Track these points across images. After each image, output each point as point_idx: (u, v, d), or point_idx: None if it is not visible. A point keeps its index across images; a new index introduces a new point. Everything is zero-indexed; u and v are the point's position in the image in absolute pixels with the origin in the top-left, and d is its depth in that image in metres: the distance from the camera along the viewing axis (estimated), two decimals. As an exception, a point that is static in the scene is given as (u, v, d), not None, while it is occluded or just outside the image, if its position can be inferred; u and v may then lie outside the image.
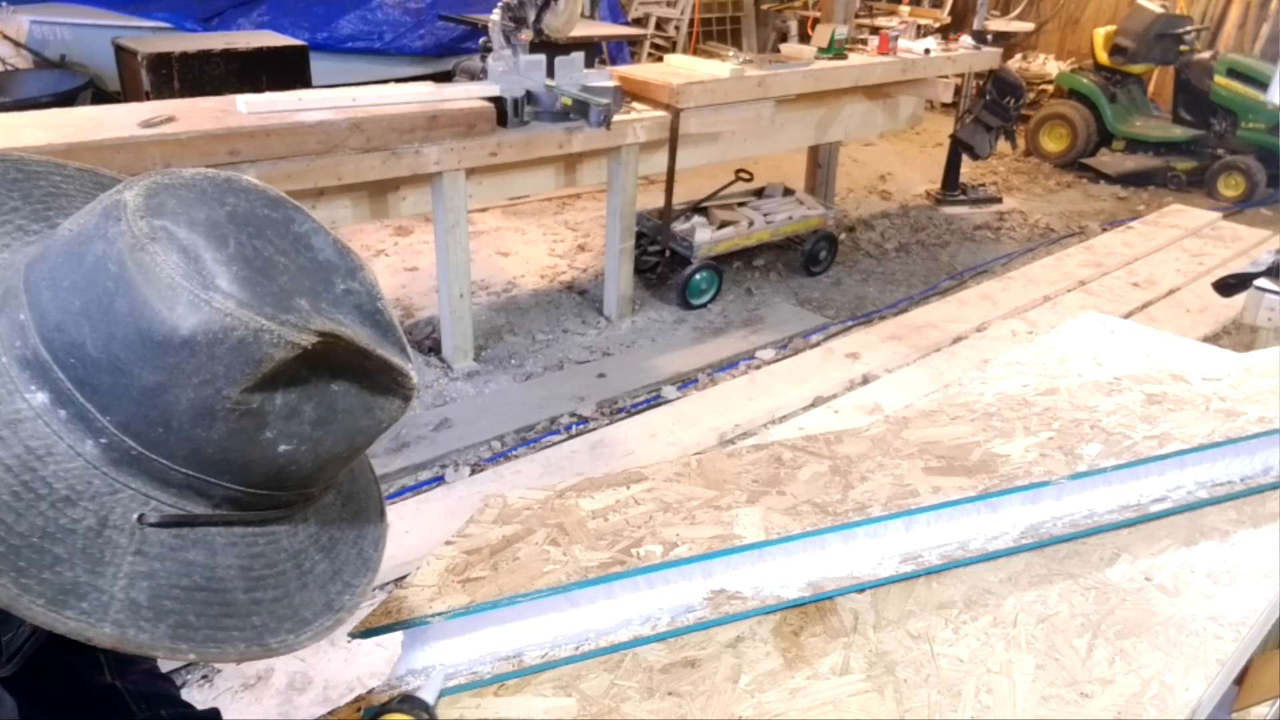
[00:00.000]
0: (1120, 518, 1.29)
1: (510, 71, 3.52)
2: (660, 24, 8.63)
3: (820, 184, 5.43)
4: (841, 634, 1.07)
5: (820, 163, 5.40)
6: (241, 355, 0.55)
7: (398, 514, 2.74)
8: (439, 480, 3.00)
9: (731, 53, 4.60)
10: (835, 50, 4.60)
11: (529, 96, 3.53)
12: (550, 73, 3.59)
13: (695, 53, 7.65)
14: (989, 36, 5.69)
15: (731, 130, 4.25)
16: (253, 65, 4.31)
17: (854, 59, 4.69)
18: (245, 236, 0.59)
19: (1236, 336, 3.91)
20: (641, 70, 4.16)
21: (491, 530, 1.15)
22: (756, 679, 1.00)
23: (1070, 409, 1.49)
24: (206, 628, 0.59)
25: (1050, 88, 8.10)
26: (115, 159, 2.70)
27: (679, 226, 4.34)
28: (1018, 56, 8.86)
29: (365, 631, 0.97)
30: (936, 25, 6.09)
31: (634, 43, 7.74)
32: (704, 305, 4.34)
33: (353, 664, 2.19)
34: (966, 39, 5.42)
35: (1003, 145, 6.02)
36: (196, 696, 2.17)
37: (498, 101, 3.41)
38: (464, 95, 3.41)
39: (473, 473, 3.02)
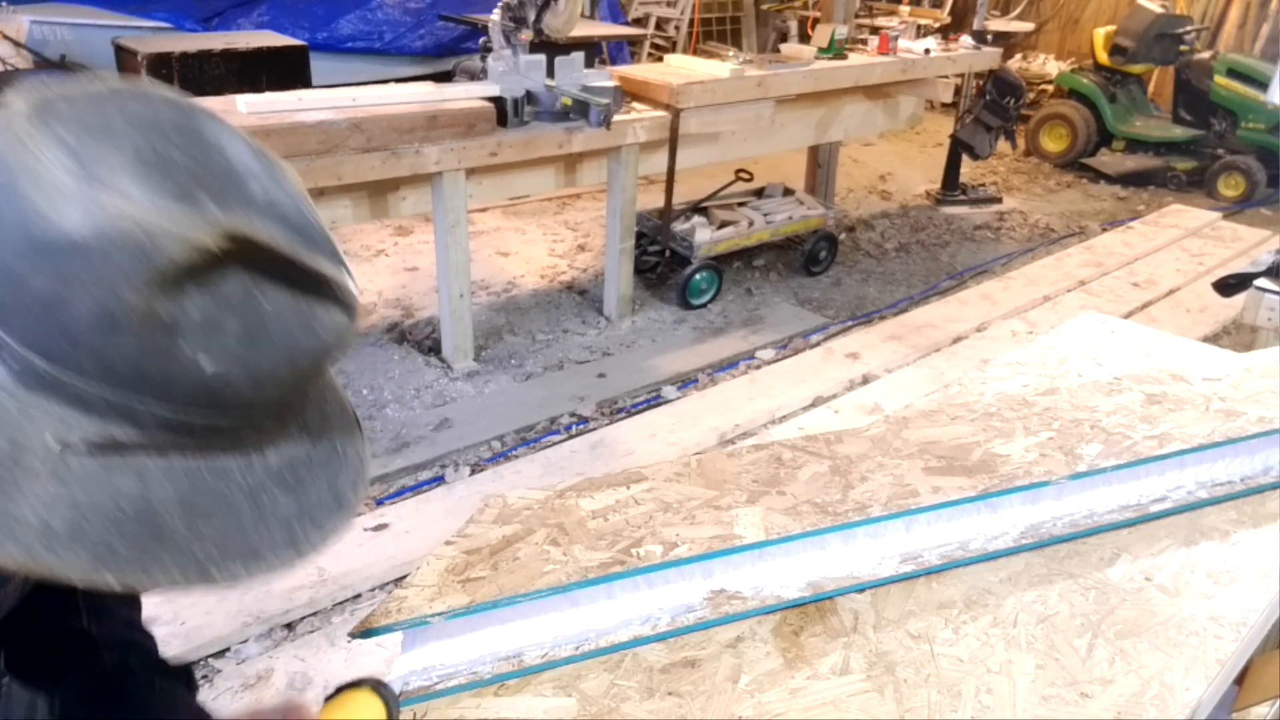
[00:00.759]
0: (1120, 518, 1.29)
1: (510, 71, 3.53)
2: (660, 24, 8.63)
3: (820, 184, 5.43)
4: (841, 634, 1.07)
5: (820, 163, 5.40)
6: (138, 258, 0.51)
7: (398, 514, 2.74)
8: (439, 480, 3.00)
9: (731, 53, 4.60)
10: (835, 50, 4.60)
11: (529, 96, 3.53)
12: (550, 73, 3.59)
13: (695, 53, 7.65)
14: (989, 36, 5.69)
15: (731, 130, 4.25)
16: (253, 65, 4.31)
17: (854, 59, 4.69)
18: (144, 139, 0.54)
19: (1236, 336, 3.91)
20: (641, 70, 4.16)
21: (491, 530, 1.15)
22: (756, 679, 1.00)
23: (1070, 409, 1.49)
24: (135, 556, 0.55)
25: (1050, 88, 8.10)
26: (115, 159, 2.69)
27: (679, 226, 4.34)
28: (1018, 56, 8.86)
29: (365, 631, 0.97)
30: (936, 25, 6.09)
31: (634, 43, 7.74)
32: (704, 305, 4.34)
33: (353, 664, 2.19)
34: (966, 39, 5.42)
35: (1003, 145, 6.02)
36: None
37: (498, 101, 3.41)
38: (464, 95, 3.41)
39: (473, 473, 3.02)
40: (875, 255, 5.16)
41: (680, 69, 4.13)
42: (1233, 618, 1.12)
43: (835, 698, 0.98)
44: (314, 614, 2.37)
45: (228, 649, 2.32)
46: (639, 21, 8.34)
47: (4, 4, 5.18)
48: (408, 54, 6.14)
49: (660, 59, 4.79)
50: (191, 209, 0.53)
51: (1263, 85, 6.11)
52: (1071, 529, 1.26)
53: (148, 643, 0.93)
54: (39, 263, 0.52)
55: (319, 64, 4.78)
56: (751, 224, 4.51)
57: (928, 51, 4.94)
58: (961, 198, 6.11)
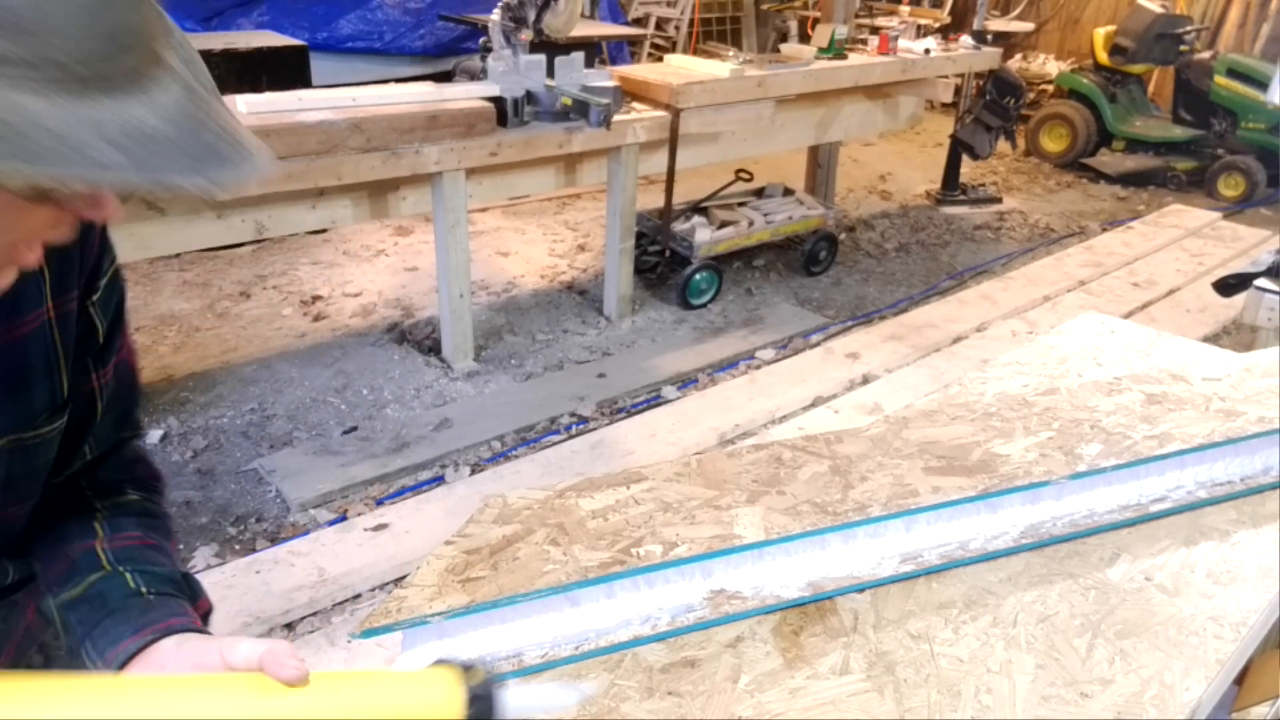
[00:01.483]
0: (1120, 518, 1.29)
1: (510, 71, 3.53)
2: (660, 24, 8.63)
3: (820, 184, 5.43)
4: (841, 634, 1.07)
5: (820, 163, 5.40)
6: None
7: (398, 514, 2.74)
8: (439, 480, 3.00)
9: (731, 53, 4.60)
10: (835, 50, 4.60)
11: (529, 96, 3.53)
12: (550, 73, 3.59)
13: (695, 53, 7.65)
14: (989, 36, 5.69)
15: (731, 130, 4.25)
16: (253, 65, 4.31)
17: (854, 59, 4.69)
18: None
19: (1236, 336, 3.91)
20: (641, 70, 4.16)
21: (491, 530, 1.15)
22: (756, 679, 1.00)
23: (1070, 409, 1.49)
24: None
25: (1050, 88, 8.10)
26: (115, 159, 2.69)
27: (679, 226, 4.34)
28: (1018, 56, 8.86)
29: (365, 631, 0.97)
30: (936, 25, 6.09)
31: (634, 43, 7.74)
32: (704, 305, 4.34)
33: (353, 664, 2.19)
34: (966, 39, 5.42)
35: (1003, 145, 6.02)
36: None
37: (498, 101, 3.41)
38: (464, 95, 3.41)
39: (473, 473, 3.02)
40: (875, 255, 5.16)
41: (680, 69, 4.13)
42: (1233, 618, 1.12)
43: (835, 698, 0.98)
44: (314, 614, 2.37)
45: (228, 649, 2.31)
46: (639, 21, 8.34)
47: (4, 4, 5.17)
48: (408, 54, 6.14)
49: (660, 59, 4.79)
50: None
51: (1263, 85, 6.11)
52: (1071, 529, 1.26)
53: (159, 558, 0.91)
54: None
55: (319, 64, 4.78)
56: (751, 224, 4.51)
57: (928, 51, 4.94)
58: (961, 198, 6.11)
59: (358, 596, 2.44)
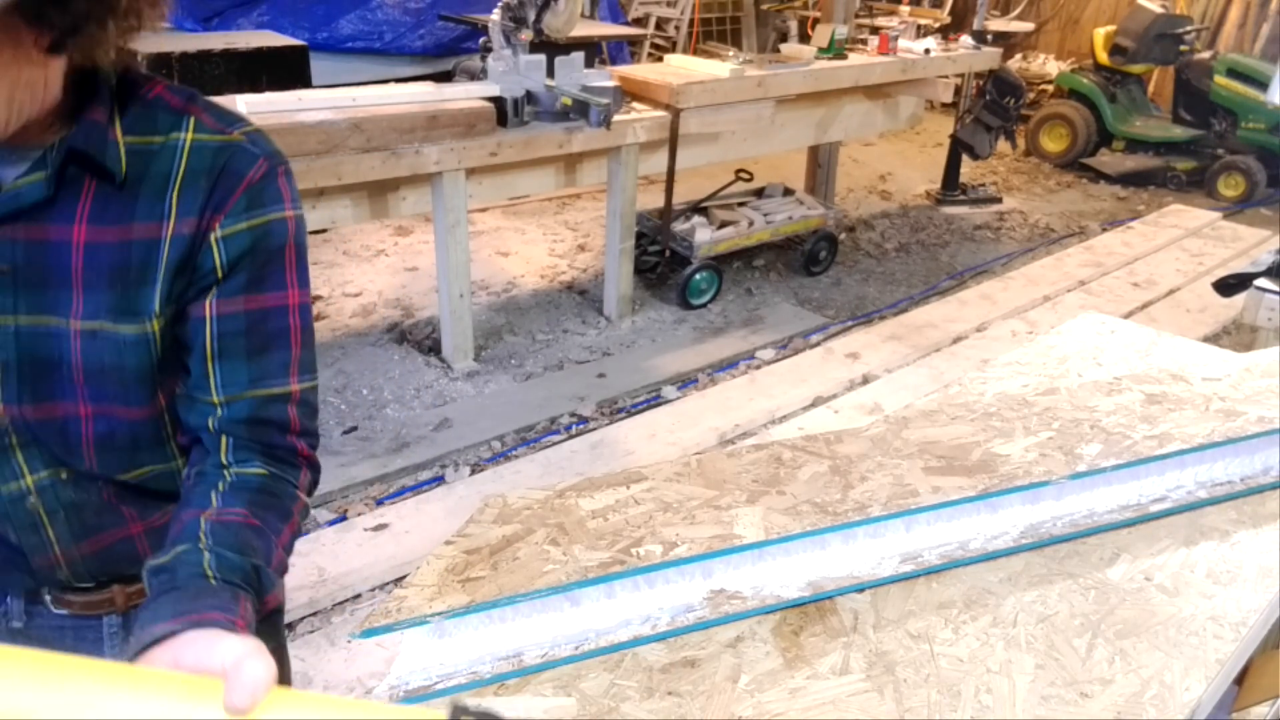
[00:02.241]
0: (1120, 518, 1.29)
1: (510, 71, 3.53)
2: (660, 24, 8.63)
3: (820, 184, 5.43)
4: (841, 634, 1.07)
5: (820, 163, 5.41)
6: None
7: (398, 514, 2.74)
8: (439, 480, 3.00)
9: (731, 53, 4.60)
10: (835, 50, 4.60)
11: (529, 96, 3.53)
12: (550, 73, 3.59)
13: (695, 53, 7.65)
14: (989, 36, 5.69)
15: (731, 130, 4.25)
16: (253, 65, 4.31)
17: (854, 59, 4.69)
18: None
19: (1236, 336, 3.91)
20: (641, 70, 4.16)
21: (491, 530, 1.15)
22: (756, 679, 1.00)
23: (1070, 409, 1.49)
24: None
25: (1050, 88, 8.10)
26: (115, 159, 2.69)
27: (679, 226, 4.34)
28: (1018, 56, 8.86)
29: (365, 631, 0.97)
30: (936, 25, 6.09)
31: (634, 43, 7.73)
32: (704, 305, 4.35)
33: (353, 664, 2.19)
34: (966, 39, 5.42)
35: (1003, 145, 6.02)
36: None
37: (498, 101, 3.41)
38: (464, 95, 3.41)
39: (473, 473, 3.02)
40: (875, 255, 5.16)
41: (680, 69, 4.13)
42: (1233, 618, 1.12)
43: (835, 697, 0.98)
44: (314, 614, 2.37)
45: (228, 649, 2.31)
46: (639, 21, 8.34)
47: (4, 4, 5.17)
48: (408, 54, 6.14)
49: (660, 59, 4.79)
50: None
51: (1263, 85, 6.12)
52: (1071, 529, 1.26)
53: None
54: None
55: (319, 64, 4.78)
56: (751, 224, 4.51)
57: (928, 51, 4.94)
58: (961, 198, 6.11)
59: (357, 596, 2.44)
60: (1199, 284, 4.55)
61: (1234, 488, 1.38)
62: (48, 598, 0.98)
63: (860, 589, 1.13)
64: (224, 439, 0.90)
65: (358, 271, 4.54)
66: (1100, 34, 6.99)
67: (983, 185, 6.43)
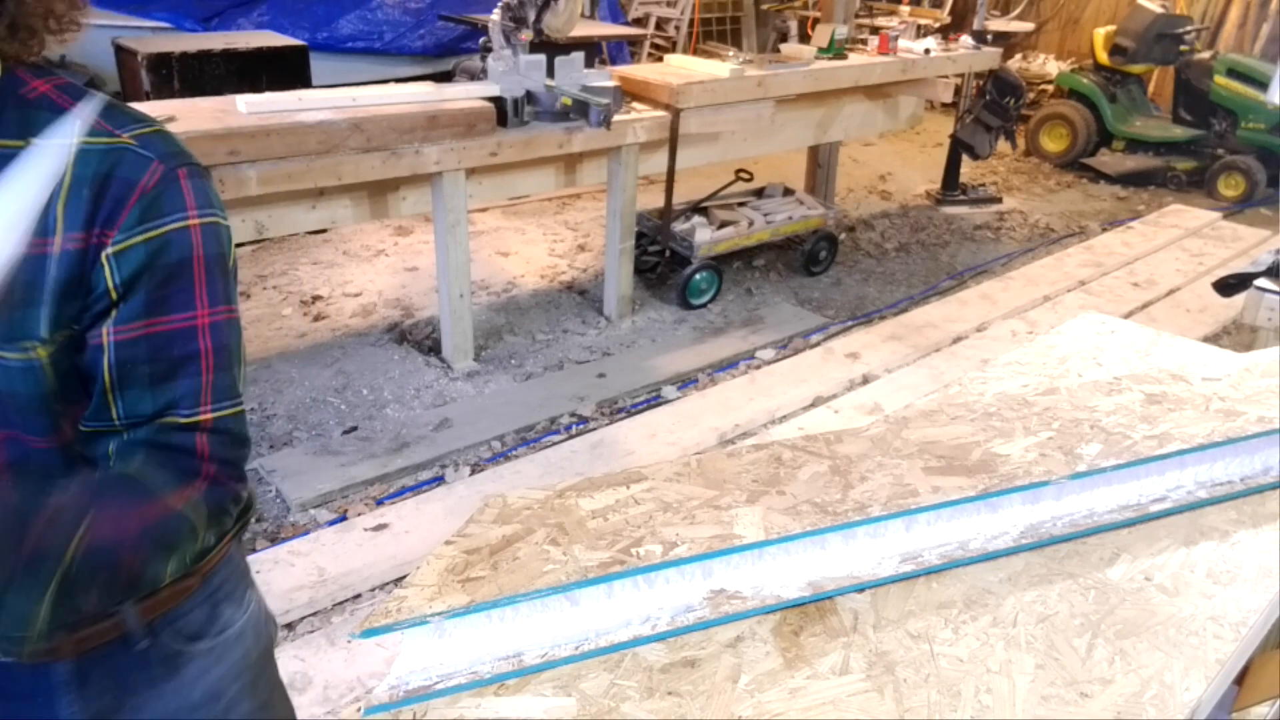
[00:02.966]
0: (1120, 518, 1.29)
1: (510, 71, 3.53)
2: (660, 24, 8.63)
3: (820, 184, 5.43)
4: (841, 634, 1.07)
5: (820, 163, 5.40)
6: None
7: (398, 514, 2.74)
8: (439, 480, 3.00)
9: (731, 53, 4.60)
10: (835, 50, 4.60)
11: (529, 96, 3.53)
12: (550, 73, 3.59)
13: (695, 53, 7.65)
14: (989, 36, 5.69)
15: (731, 130, 4.25)
16: (253, 65, 4.32)
17: (854, 59, 4.69)
18: None
19: (1236, 336, 3.91)
20: (641, 70, 4.16)
21: (491, 530, 1.15)
22: (756, 679, 1.00)
23: (1070, 409, 1.49)
24: None
25: (1050, 88, 8.10)
26: (115, 159, 2.69)
27: (679, 226, 4.34)
28: (1018, 56, 8.86)
29: (365, 632, 0.97)
30: (936, 25, 6.09)
31: (634, 43, 7.73)
32: (704, 305, 4.34)
33: (353, 664, 2.19)
34: (966, 39, 5.42)
35: (1003, 145, 6.02)
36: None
37: (498, 101, 3.41)
38: (464, 95, 3.41)
39: (473, 473, 3.02)
40: (875, 255, 5.16)
41: (680, 69, 4.13)
42: (1233, 618, 1.12)
43: (835, 697, 0.98)
44: (314, 614, 2.37)
45: (228, 649, 2.31)
46: (639, 21, 8.34)
47: (4, 4, 5.18)
48: (408, 54, 6.14)
49: (660, 59, 4.79)
50: None
51: (1263, 85, 6.12)
52: (1071, 529, 1.26)
53: None
54: None
55: (319, 64, 4.78)
56: (751, 224, 4.51)
57: (928, 51, 4.94)
58: (961, 198, 6.11)
59: (357, 596, 2.44)
60: (1199, 284, 4.55)
61: (1234, 488, 1.38)
62: None
63: (860, 589, 1.13)
64: (120, 454, 0.82)
65: (358, 271, 4.54)
66: (1100, 34, 6.99)
67: (983, 185, 6.43)
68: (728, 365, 3.83)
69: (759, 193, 4.90)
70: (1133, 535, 1.27)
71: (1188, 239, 5.29)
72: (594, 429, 3.29)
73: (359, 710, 0.96)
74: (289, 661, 2.22)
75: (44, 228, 0.76)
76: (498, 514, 1.19)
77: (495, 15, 3.62)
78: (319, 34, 5.74)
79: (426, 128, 3.19)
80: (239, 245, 4.69)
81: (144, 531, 0.78)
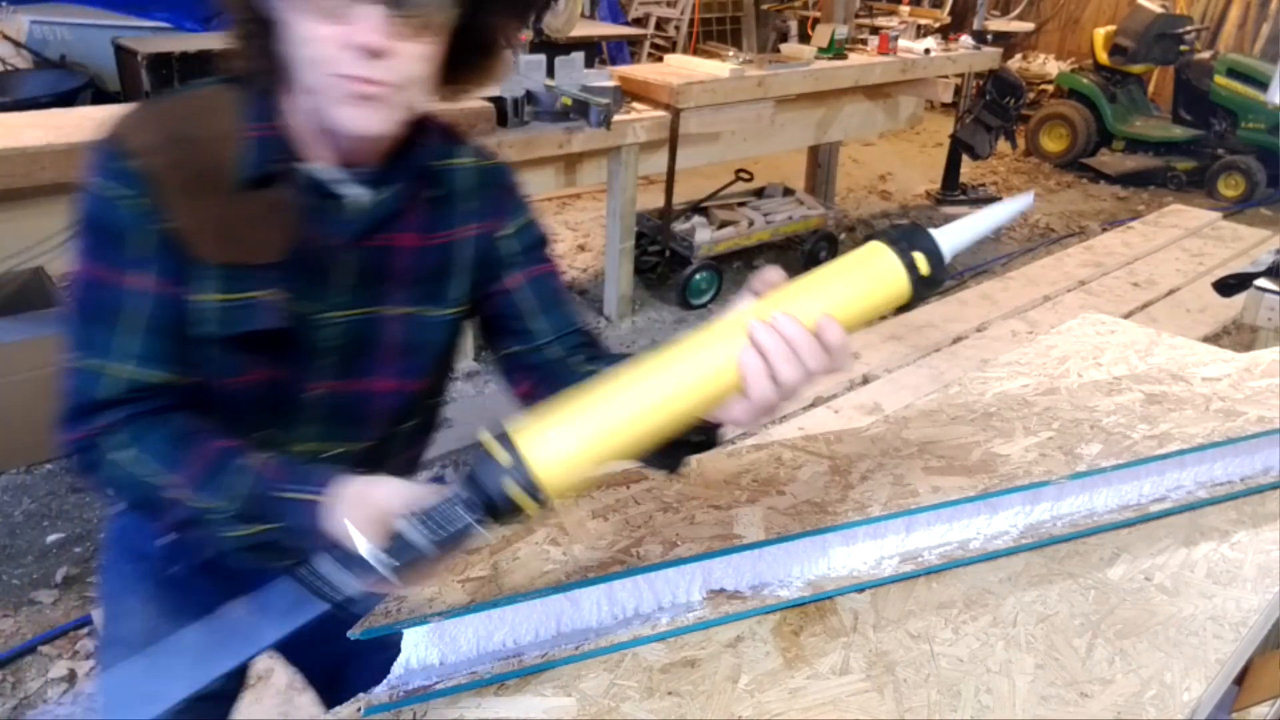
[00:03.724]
0: (1120, 518, 1.29)
1: (510, 71, 3.53)
2: (660, 24, 8.62)
3: (820, 184, 5.43)
4: (841, 634, 1.07)
5: (820, 163, 5.41)
6: None
7: (398, 514, 2.74)
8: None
9: (731, 53, 4.61)
10: (835, 50, 4.60)
11: (529, 96, 3.53)
12: (550, 73, 3.59)
13: (695, 53, 7.65)
14: (989, 36, 5.69)
15: (731, 130, 4.25)
16: (253, 65, 4.31)
17: (854, 59, 4.69)
18: None
19: (1236, 336, 3.92)
20: (641, 70, 4.16)
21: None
22: (756, 679, 1.00)
23: (1070, 409, 1.49)
24: None
25: (1050, 88, 8.11)
26: (115, 159, 2.69)
27: (679, 226, 4.34)
28: (1018, 56, 8.86)
29: (365, 632, 0.97)
30: (936, 25, 6.09)
31: (634, 43, 7.73)
32: (704, 305, 4.34)
33: (353, 664, 2.19)
34: (966, 39, 5.43)
35: (1003, 145, 6.02)
36: (196, 696, 2.17)
37: (497, 101, 3.41)
38: (464, 95, 3.41)
39: (473, 473, 3.02)
40: (875, 255, 5.16)
41: (680, 69, 4.13)
42: (1233, 618, 1.12)
43: (835, 697, 0.98)
44: (314, 614, 2.37)
45: (228, 649, 2.31)
46: (639, 21, 8.34)
47: (4, 4, 5.18)
48: (408, 54, 6.13)
49: (660, 59, 4.79)
50: None
51: (1263, 85, 6.12)
52: (1071, 529, 1.26)
53: None
54: None
55: (319, 64, 4.76)
56: (751, 224, 4.51)
57: (928, 51, 4.94)
58: (961, 198, 6.11)
59: (358, 596, 2.43)
60: (1199, 284, 4.56)
61: (1234, 488, 1.38)
62: None
63: (860, 589, 1.13)
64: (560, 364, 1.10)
65: (358, 271, 4.54)
66: (1100, 34, 6.99)
67: (983, 185, 6.43)
68: (728, 365, 3.82)
69: (759, 193, 4.90)
70: (1133, 535, 1.27)
71: (1188, 239, 5.29)
72: (594, 429, 3.29)
73: (359, 710, 0.96)
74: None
75: (459, 220, 1.05)
76: (498, 514, 1.19)
77: (495, 15, 3.61)
78: (319, 34, 5.73)
79: (426, 128, 3.18)
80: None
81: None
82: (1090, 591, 1.15)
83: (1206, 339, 3.74)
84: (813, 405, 3.45)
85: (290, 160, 0.94)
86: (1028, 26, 8.33)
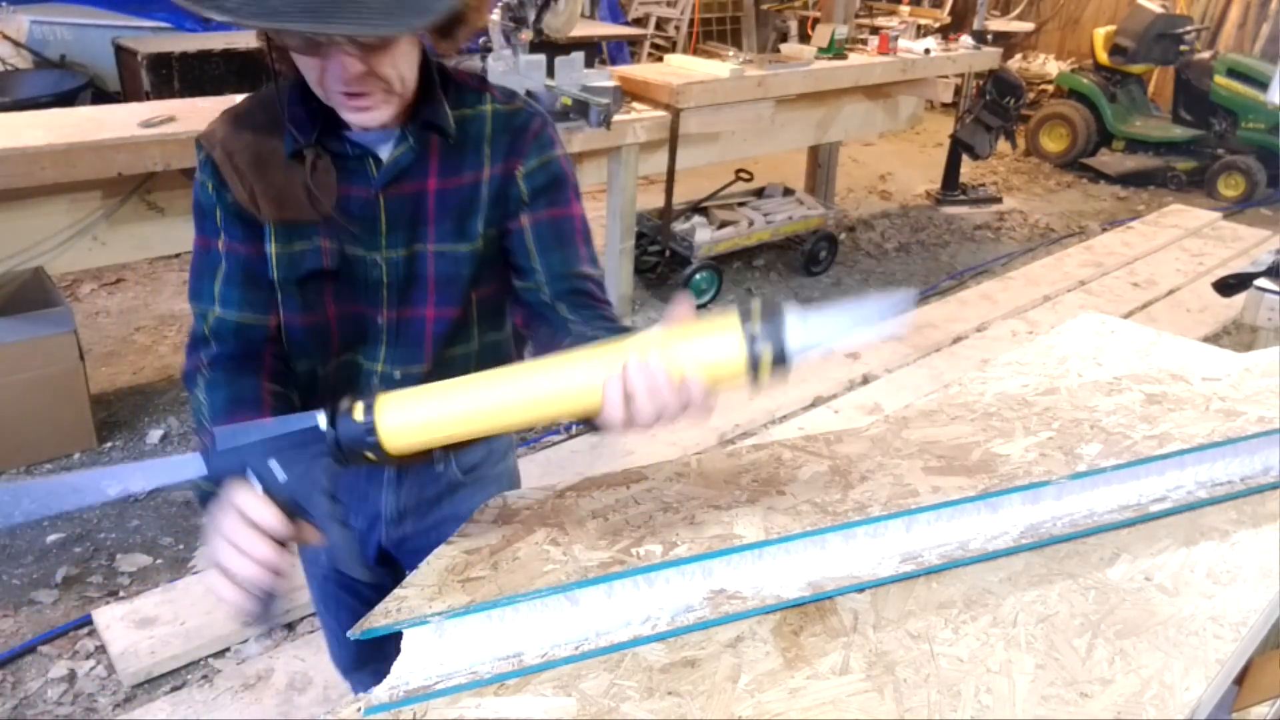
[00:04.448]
0: (1120, 518, 1.29)
1: (510, 71, 3.52)
2: (660, 24, 8.62)
3: (820, 184, 5.43)
4: (841, 634, 1.07)
5: (820, 163, 5.41)
6: None
7: (398, 514, 2.74)
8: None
9: (731, 53, 4.61)
10: (835, 50, 4.60)
11: (529, 96, 3.53)
12: (550, 73, 3.59)
13: (695, 53, 7.65)
14: (989, 36, 5.69)
15: (731, 130, 4.25)
16: (253, 65, 4.32)
17: (854, 59, 4.69)
18: None
19: (1236, 336, 3.92)
20: (641, 70, 4.16)
21: (491, 530, 1.15)
22: (756, 679, 1.00)
23: (1070, 409, 1.49)
24: None
25: (1050, 88, 8.10)
26: (116, 159, 2.69)
27: (679, 226, 4.34)
28: (1018, 56, 8.86)
29: (365, 632, 0.97)
30: (936, 25, 6.09)
31: (634, 43, 7.73)
32: (704, 305, 4.34)
33: (353, 664, 2.19)
34: (966, 39, 5.42)
35: (1003, 145, 6.02)
36: (196, 696, 2.17)
37: (498, 101, 3.40)
38: (464, 95, 3.40)
39: (473, 473, 3.02)
40: (875, 255, 5.16)
41: (680, 69, 4.13)
42: (1233, 618, 1.12)
43: (835, 697, 0.98)
44: (314, 614, 2.37)
45: (228, 649, 2.32)
46: (639, 21, 8.34)
47: (4, 4, 5.19)
48: (408, 54, 6.13)
49: (660, 59, 4.79)
50: None
51: (1263, 85, 6.12)
52: (1071, 529, 1.26)
53: None
54: None
55: (319, 64, 4.76)
56: (751, 224, 4.51)
57: (928, 51, 4.94)
58: (961, 198, 6.11)
59: (358, 596, 2.43)
60: (1199, 284, 4.56)
61: (1234, 488, 1.38)
62: None
63: (860, 589, 1.13)
64: (564, 305, 1.19)
65: (358, 271, 4.54)
66: (1100, 34, 6.99)
67: (983, 185, 6.43)
68: (728, 365, 3.82)
69: (759, 193, 4.90)
70: (1133, 535, 1.27)
71: (1188, 239, 5.29)
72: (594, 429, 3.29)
73: (359, 710, 0.96)
74: (289, 661, 2.22)
75: (479, 162, 1.17)
76: (498, 514, 1.19)
77: (495, 15, 3.61)
78: (319, 34, 5.73)
79: (426, 128, 3.18)
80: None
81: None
82: (1090, 591, 1.15)
83: (1206, 339, 3.74)
84: (813, 405, 3.45)
85: (323, 135, 1.11)
86: (1028, 26, 8.34)
